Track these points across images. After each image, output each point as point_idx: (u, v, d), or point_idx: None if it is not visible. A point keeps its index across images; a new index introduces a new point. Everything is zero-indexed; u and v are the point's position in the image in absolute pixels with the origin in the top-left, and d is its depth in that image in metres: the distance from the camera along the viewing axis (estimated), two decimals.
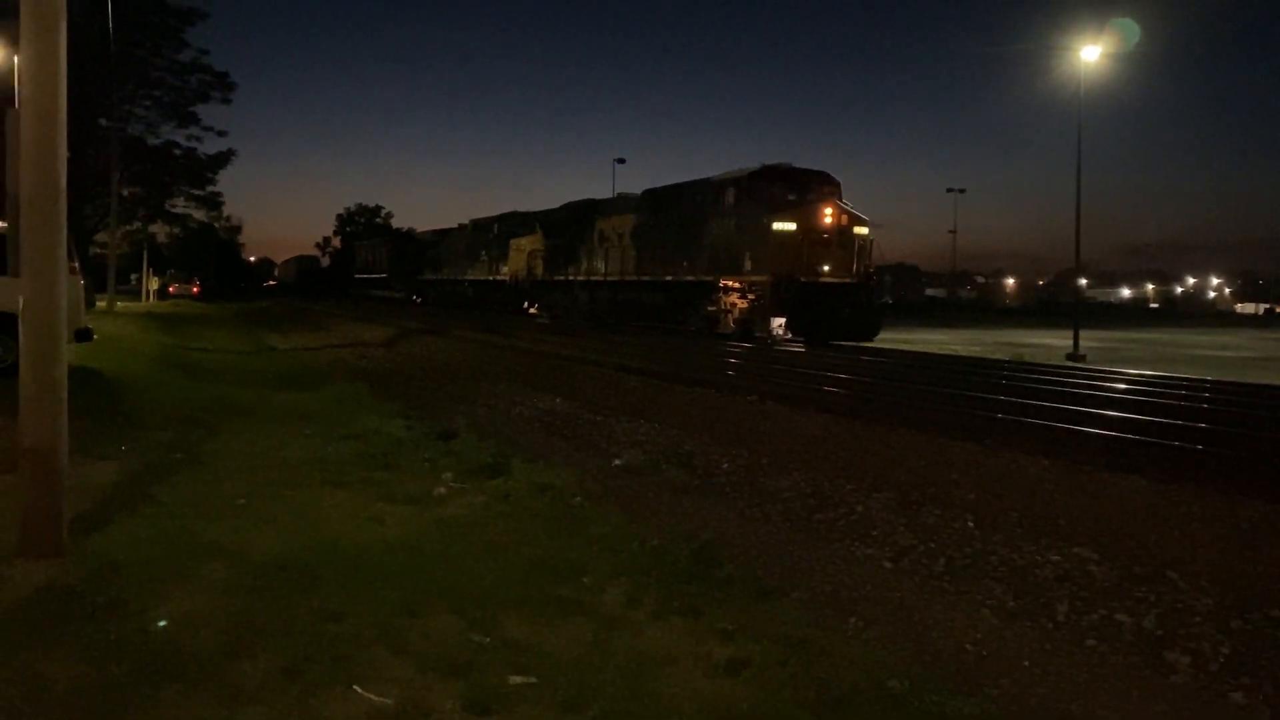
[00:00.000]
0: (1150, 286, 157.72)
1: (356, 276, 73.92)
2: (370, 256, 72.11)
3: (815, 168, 25.95)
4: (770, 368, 17.72)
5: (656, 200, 30.17)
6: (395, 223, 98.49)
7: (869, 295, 24.42)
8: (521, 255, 40.31)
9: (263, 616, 5.06)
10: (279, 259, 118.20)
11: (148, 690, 4.17)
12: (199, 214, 55.27)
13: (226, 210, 73.97)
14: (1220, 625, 5.06)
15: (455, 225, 53.79)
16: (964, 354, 26.20)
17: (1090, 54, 29.94)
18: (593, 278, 33.44)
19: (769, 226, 23.62)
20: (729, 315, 25.49)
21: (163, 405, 13.02)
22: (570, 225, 35.89)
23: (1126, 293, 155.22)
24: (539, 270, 38.38)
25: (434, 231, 58.59)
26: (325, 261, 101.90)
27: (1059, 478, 8.03)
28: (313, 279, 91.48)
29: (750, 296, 24.60)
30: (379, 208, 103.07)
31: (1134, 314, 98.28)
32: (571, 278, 35.23)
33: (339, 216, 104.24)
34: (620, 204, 33.67)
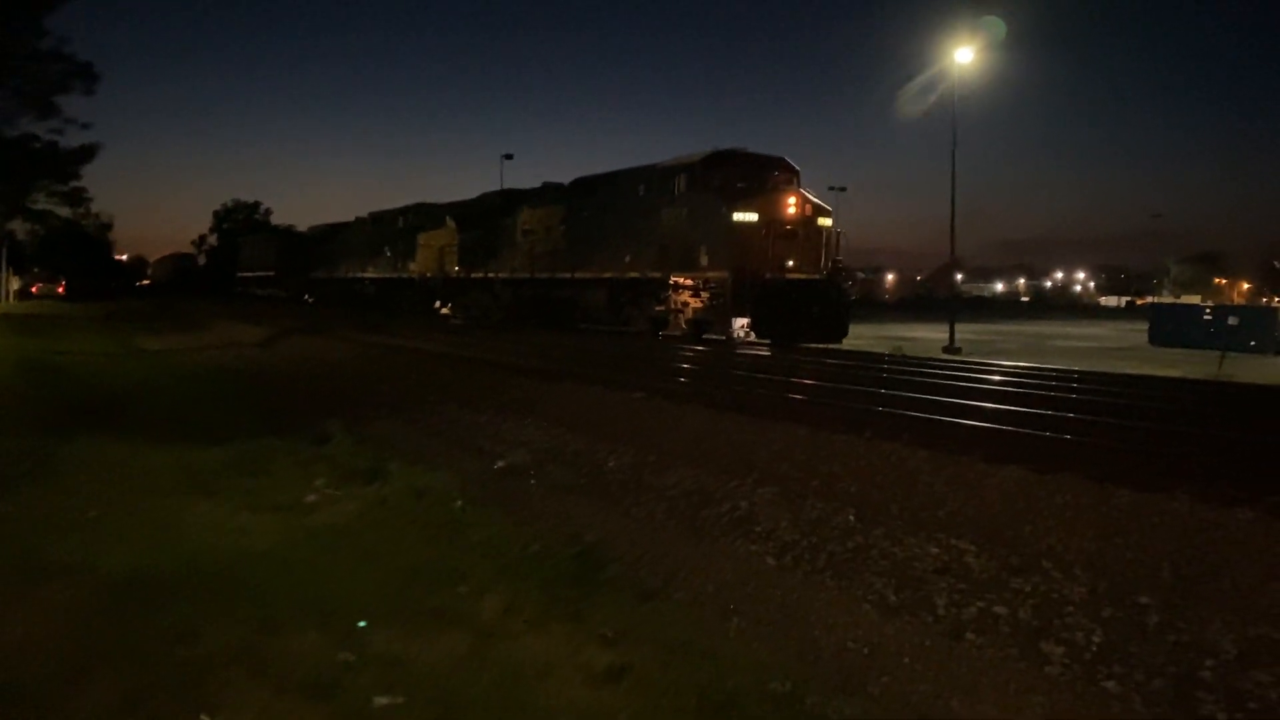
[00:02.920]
0: (1022, 281, 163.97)
1: (240, 275, 70.99)
2: (255, 253, 69.10)
3: (773, 153, 23.68)
4: (733, 374, 16.03)
5: (589, 189, 27.59)
6: (275, 219, 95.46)
7: (838, 292, 22.52)
8: (431, 251, 37.28)
9: (106, 640, 4.69)
10: (153, 257, 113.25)
11: None
12: (63, 211, 52.34)
13: (95, 207, 70.24)
14: (1093, 614, 5.13)
15: (352, 219, 51.36)
16: (846, 348, 26.65)
17: (964, 55, 30.80)
18: (517, 275, 30.52)
19: (728, 217, 21.25)
20: (680, 315, 23.21)
21: (13, 413, 12.22)
22: (488, 217, 33.12)
23: (1000, 287, 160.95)
24: (451, 267, 35.43)
25: (328, 225, 55.30)
26: (203, 260, 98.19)
27: (938, 469, 8.09)
28: (190, 278, 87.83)
29: (705, 295, 22.36)
30: (257, 203, 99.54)
31: (1007, 307, 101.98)
32: (491, 275, 32.30)
33: (215, 213, 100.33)
34: (547, 194, 30.99)
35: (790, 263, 21.59)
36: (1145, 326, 34.61)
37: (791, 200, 21.86)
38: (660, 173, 24.24)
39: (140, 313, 46.76)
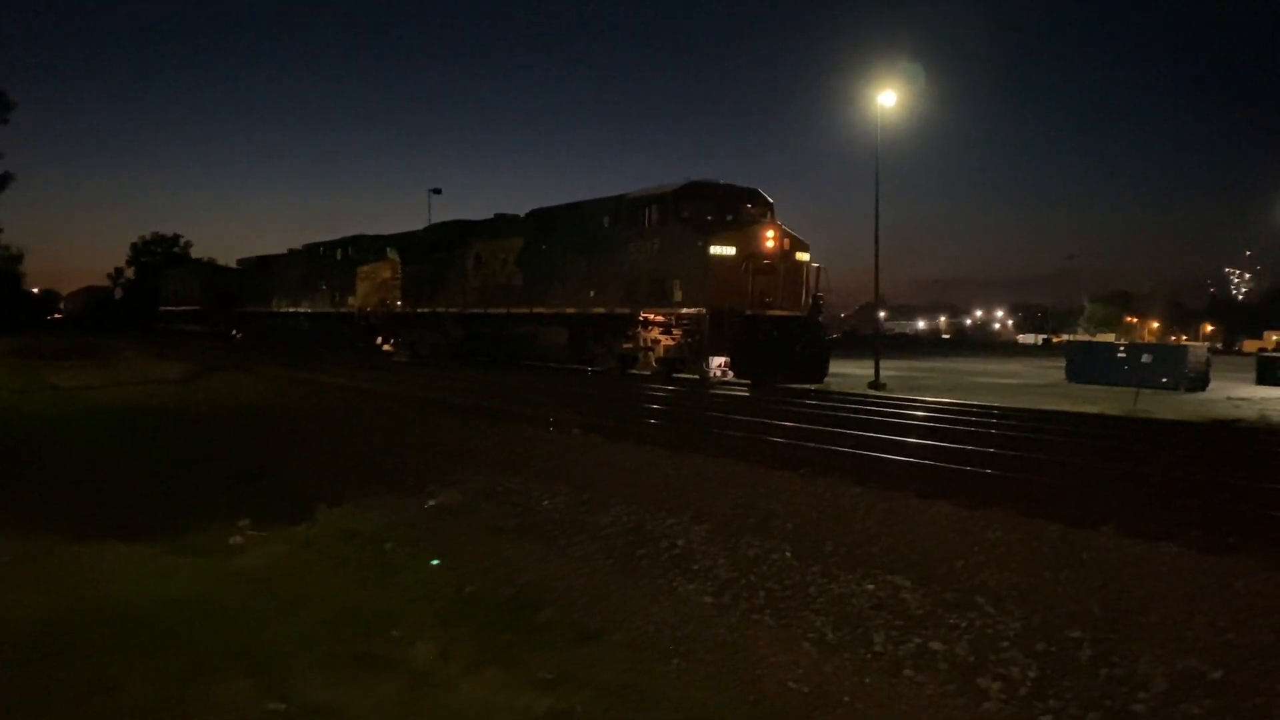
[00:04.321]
0: (943, 319, 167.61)
1: (162, 309, 69.02)
2: (179, 286, 67.10)
3: (746, 185, 23.06)
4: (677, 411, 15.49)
5: (549, 221, 26.62)
6: (196, 252, 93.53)
7: (819, 330, 22.02)
8: (372, 284, 35.98)
9: (17, 693, 4.47)
10: (66, 291, 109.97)
11: None
12: None
13: (5, 239, 68.28)
14: (1027, 649, 5.20)
15: (285, 251, 49.93)
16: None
17: (888, 99, 31.57)
18: (469, 310, 29.30)
19: (705, 251, 20.46)
20: (650, 353, 22.43)
21: None
22: (436, 250, 31.90)
23: (922, 324, 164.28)
24: (394, 301, 34.18)
25: (258, 258, 53.59)
26: (119, 294, 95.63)
27: (871, 505, 8.17)
28: (106, 312, 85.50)
29: (678, 332, 21.71)
30: (177, 236, 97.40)
31: (928, 344, 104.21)
32: (441, 310, 30.97)
33: (133, 245, 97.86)
34: (502, 226, 29.95)
35: (769, 299, 20.99)
36: (1062, 363, 35.48)
37: (770, 234, 21.29)
38: (629, 204, 23.41)
39: (53, 348, 45.21)
